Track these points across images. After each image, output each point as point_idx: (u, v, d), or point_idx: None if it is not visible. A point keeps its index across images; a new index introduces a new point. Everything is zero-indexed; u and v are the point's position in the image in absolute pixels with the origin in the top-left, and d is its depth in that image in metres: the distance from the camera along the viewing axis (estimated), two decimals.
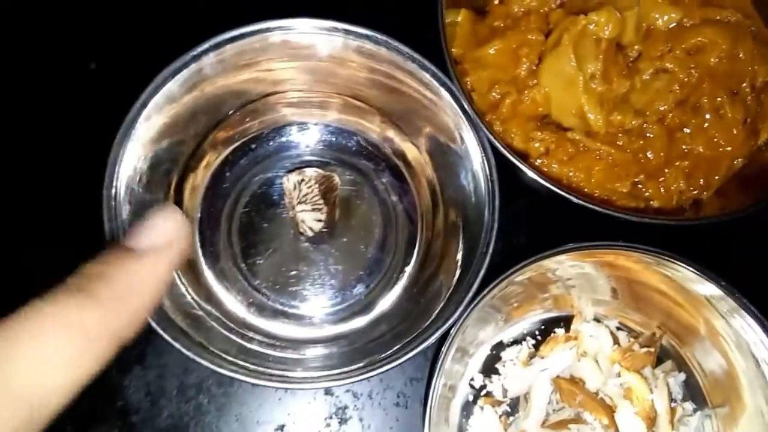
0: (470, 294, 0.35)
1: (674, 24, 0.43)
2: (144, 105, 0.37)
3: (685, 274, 0.37)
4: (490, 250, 0.36)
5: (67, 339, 0.19)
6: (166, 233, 0.24)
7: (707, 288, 0.38)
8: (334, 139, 0.46)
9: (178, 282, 0.40)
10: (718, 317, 0.39)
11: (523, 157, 0.42)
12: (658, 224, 0.39)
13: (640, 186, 0.43)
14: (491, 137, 0.37)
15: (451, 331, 0.36)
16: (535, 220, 0.46)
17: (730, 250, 0.44)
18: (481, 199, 0.38)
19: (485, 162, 0.38)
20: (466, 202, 0.40)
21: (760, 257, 0.44)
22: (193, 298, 0.41)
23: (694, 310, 0.40)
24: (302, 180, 0.42)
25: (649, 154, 0.42)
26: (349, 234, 0.44)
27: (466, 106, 0.38)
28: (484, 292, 0.36)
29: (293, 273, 0.43)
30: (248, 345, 0.40)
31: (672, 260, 0.37)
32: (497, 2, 0.46)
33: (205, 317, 0.40)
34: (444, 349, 0.36)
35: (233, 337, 0.40)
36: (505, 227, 0.38)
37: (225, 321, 0.41)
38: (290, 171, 0.43)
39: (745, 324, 0.37)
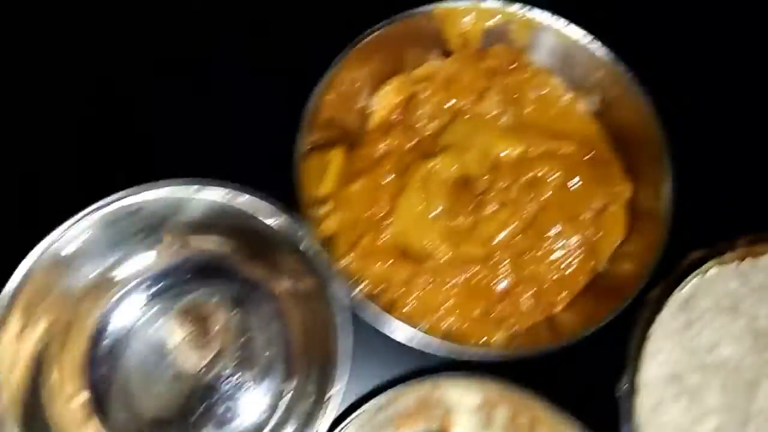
0: None
1: (517, 157, 0.48)
2: None
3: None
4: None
5: None
6: None
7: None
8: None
9: None
10: None
11: (383, 287, 0.46)
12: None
13: (495, 310, 0.47)
14: (337, 283, 0.42)
15: None
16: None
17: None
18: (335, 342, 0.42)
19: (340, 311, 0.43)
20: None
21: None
22: None
23: None
24: (181, 322, 0.46)
25: (499, 280, 0.47)
26: (243, 360, 0.47)
27: (320, 255, 0.43)
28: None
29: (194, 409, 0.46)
30: None
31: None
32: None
33: None
34: None
35: None
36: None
37: None
38: (174, 311, 0.47)
39: None
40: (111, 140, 0.53)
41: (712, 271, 0.43)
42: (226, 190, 0.45)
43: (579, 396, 0.45)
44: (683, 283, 0.43)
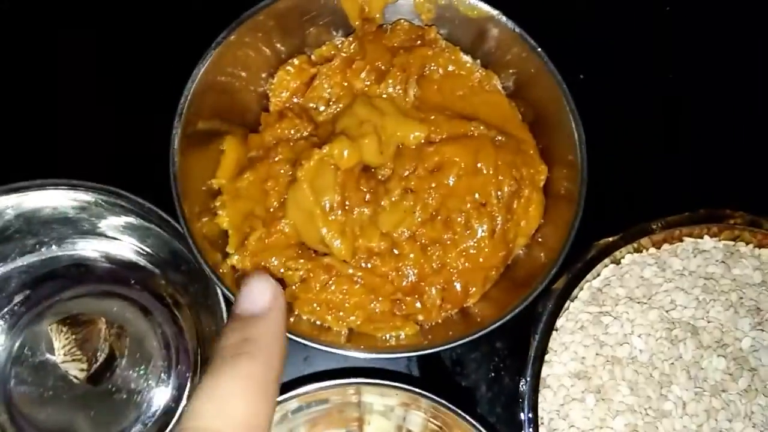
0: None
1: (422, 141, 0.44)
2: None
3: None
4: None
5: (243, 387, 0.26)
6: (267, 294, 0.31)
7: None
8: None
9: None
10: None
11: (283, 282, 0.43)
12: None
13: (400, 303, 0.44)
14: (214, 278, 0.39)
15: None
16: None
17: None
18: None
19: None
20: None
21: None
22: None
23: None
24: (60, 331, 0.43)
25: (405, 273, 0.43)
26: (127, 371, 0.45)
27: (198, 256, 0.39)
28: None
29: (70, 421, 0.44)
30: None
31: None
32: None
33: None
34: None
35: None
36: None
37: None
38: (54, 322, 0.43)
39: None
40: None
41: (627, 259, 0.40)
42: (98, 193, 0.43)
43: (488, 391, 0.43)
44: (595, 272, 0.40)
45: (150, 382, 0.45)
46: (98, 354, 0.43)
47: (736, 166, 0.48)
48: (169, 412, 0.45)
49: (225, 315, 0.42)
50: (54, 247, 0.45)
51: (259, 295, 0.31)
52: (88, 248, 0.46)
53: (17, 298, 0.45)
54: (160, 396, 0.45)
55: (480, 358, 0.45)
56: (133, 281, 0.47)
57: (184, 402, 0.45)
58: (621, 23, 0.53)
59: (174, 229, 0.42)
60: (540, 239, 0.45)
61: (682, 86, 0.51)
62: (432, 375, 0.42)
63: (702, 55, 0.52)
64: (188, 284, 0.46)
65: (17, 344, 0.44)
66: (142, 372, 0.45)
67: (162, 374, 0.46)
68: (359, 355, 0.40)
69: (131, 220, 0.45)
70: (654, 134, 0.50)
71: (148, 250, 0.47)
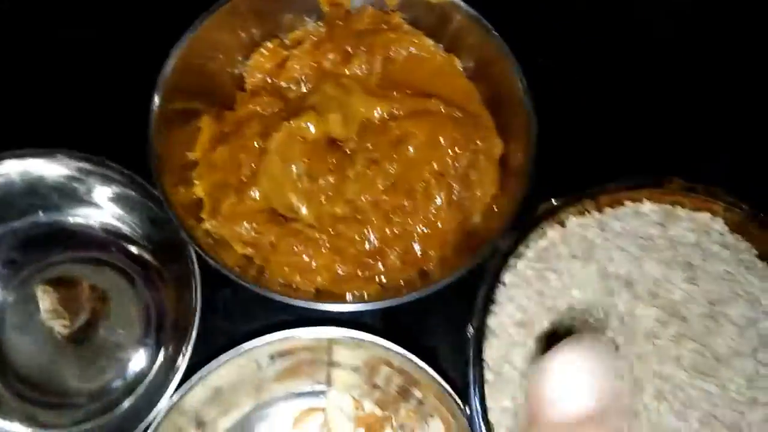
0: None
1: (385, 116, 0.48)
2: None
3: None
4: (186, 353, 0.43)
5: None
6: None
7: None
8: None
9: None
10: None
11: (255, 246, 0.46)
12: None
13: (364, 265, 0.47)
14: (190, 242, 0.43)
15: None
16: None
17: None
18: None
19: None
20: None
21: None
22: None
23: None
24: (46, 291, 0.46)
25: (368, 237, 0.47)
26: (108, 331, 0.48)
27: (175, 221, 0.43)
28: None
29: (56, 370, 0.47)
30: None
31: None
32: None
33: None
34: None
35: None
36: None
37: None
38: (40, 283, 0.47)
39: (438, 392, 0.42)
40: None
41: (572, 221, 0.43)
42: (83, 161, 0.46)
43: (449, 348, 0.46)
44: (542, 233, 0.43)
45: (129, 343, 0.48)
46: (81, 313, 0.47)
47: (676, 136, 0.52)
48: (145, 371, 0.48)
49: (199, 282, 0.45)
50: (45, 213, 0.49)
51: None
52: (78, 215, 0.49)
53: (7, 259, 0.48)
54: (138, 357, 0.48)
55: (441, 320, 0.48)
56: (117, 249, 0.50)
57: (159, 361, 0.48)
58: (580, 12, 0.57)
59: (156, 200, 0.45)
60: (495, 208, 0.48)
61: (627, 68, 0.55)
62: (396, 335, 0.45)
63: (648, 39, 0.56)
64: (168, 255, 0.48)
65: (9, 302, 0.48)
66: (122, 333, 0.48)
67: (141, 337, 0.48)
68: (327, 308, 0.43)
69: (118, 190, 0.48)
70: (602, 110, 0.54)
71: (134, 220, 0.50)
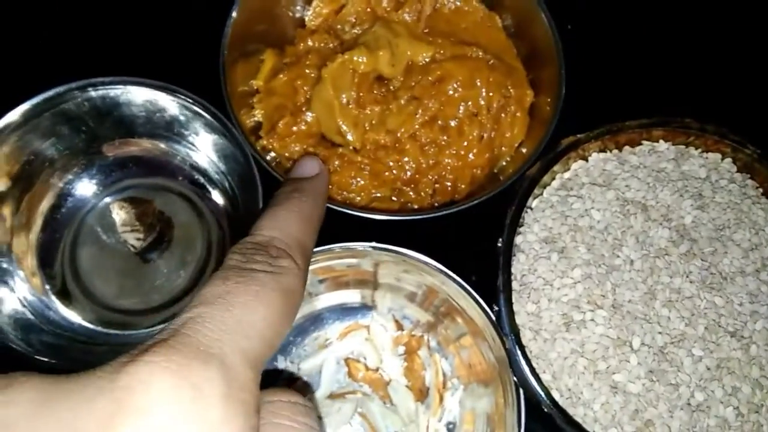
0: None
1: (428, 59, 0.53)
2: None
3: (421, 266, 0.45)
4: None
5: (295, 215, 0.34)
6: (315, 166, 0.41)
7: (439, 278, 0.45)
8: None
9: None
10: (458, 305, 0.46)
11: None
12: (405, 220, 0.47)
13: (399, 192, 0.51)
14: (255, 154, 0.47)
15: None
16: None
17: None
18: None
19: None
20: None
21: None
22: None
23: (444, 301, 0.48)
24: (122, 207, 0.51)
25: (404, 165, 0.51)
26: (175, 247, 0.52)
27: (235, 132, 0.47)
28: None
29: (122, 281, 0.51)
30: None
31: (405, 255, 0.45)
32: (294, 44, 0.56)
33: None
34: None
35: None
36: None
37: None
38: (116, 200, 0.52)
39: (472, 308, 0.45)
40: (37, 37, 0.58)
41: (593, 156, 0.47)
42: (163, 91, 0.49)
43: (473, 255, 0.48)
44: (566, 166, 0.47)
45: (183, 274, 0.51)
46: (152, 231, 0.51)
47: (691, 82, 0.56)
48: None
49: (262, 202, 0.46)
50: (141, 138, 0.53)
51: (308, 166, 0.41)
52: (166, 147, 0.53)
53: (94, 178, 0.53)
54: (188, 287, 0.51)
55: (473, 239, 0.50)
56: (192, 183, 0.54)
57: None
58: None
59: (238, 145, 0.48)
60: (522, 150, 0.52)
61: (644, 27, 0.60)
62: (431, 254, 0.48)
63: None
64: (239, 199, 0.52)
65: (89, 217, 0.52)
66: (179, 264, 0.52)
67: (196, 269, 0.51)
68: (372, 216, 0.46)
69: (214, 136, 0.51)
70: (623, 62, 0.58)
71: (216, 162, 0.53)
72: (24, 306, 0.49)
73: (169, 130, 0.53)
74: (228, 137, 0.49)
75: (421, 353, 0.52)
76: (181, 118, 0.51)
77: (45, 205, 0.52)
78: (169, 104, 0.51)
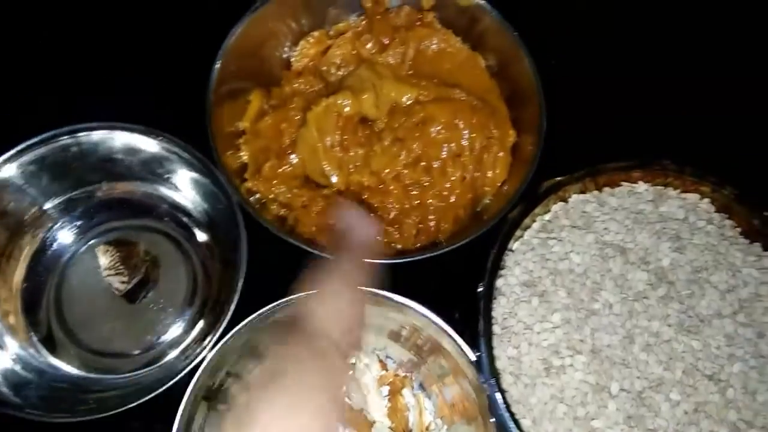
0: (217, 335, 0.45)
1: (412, 101, 0.53)
2: None
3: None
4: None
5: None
6: None
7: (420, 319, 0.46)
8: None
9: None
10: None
11: (288, 207, 0.52)
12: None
13: (384, 233, 0.52)
14: (237, 197, 0.47)
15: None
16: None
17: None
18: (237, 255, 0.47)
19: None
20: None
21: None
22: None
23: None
24: (107, 250, 0.52)
25: (388, 206, 0.52)
26: (162, 285, 0.53)
27: (217, 174, 0.48)
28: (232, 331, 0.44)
29: (110, 324, 0.52)
30: None
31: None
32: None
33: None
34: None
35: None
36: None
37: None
38: (101, 243, 0.53)
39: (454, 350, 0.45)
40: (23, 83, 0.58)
41: (573, 198, 0.48)
42: (168, 142, 0.50)
43: (456, 295, 0.49)
44: (546, 208, 0.48)
45: (175, 306, 0.52)
46: (136, 273, 0.52)
47: (669, 125, 0.56)
48: (187, 331, 0.52)
49: (245, 249, 0.47)
50: (117, 182, 0.54)
51: None
52: (150, 189, 0.55)
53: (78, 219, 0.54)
54: (182, 318, 0.52)
55: (454, 284, 0.50)
56: (175, 222, 0.55)
57: (192, 336, 0.52)
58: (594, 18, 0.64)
59: (219, 183, 0.49)
60: (504, 189, 0.53)
61: (625, 67, 0.60)
62: (414, 297, 0.48)
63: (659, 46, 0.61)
64: (222, 237, 0.53)
65: (74, 260, 0.53)
66: (169, 297, 0.53)
67: (185, 302, 0.53)
68: None
69: (194, 174, 0.52)
70: (603, 103, 0.58)
71: (197, 200, 0.54)
72: (15, 362, 0.50)
73: (153, 172, 0.54)
74: (211, 179, 0.50)
75: (405, 393, 0.52)
76: (164, 160, 0.53)
77: (28, 251, 0.53)
78: (153, 147, 0.52)
